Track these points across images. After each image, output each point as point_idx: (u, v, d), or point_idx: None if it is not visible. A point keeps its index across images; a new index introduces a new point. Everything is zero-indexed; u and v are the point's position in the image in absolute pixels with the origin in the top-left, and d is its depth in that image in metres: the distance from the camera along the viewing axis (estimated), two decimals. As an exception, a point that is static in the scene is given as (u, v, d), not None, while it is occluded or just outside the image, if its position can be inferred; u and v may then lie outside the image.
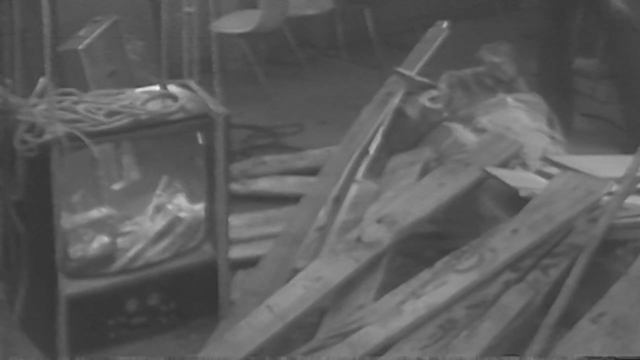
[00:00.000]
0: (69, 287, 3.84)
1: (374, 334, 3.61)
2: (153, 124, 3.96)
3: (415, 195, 4.34)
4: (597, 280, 3.68)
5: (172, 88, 4.19)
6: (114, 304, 3.98)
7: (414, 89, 5.23)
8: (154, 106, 4.02)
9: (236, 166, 5.29)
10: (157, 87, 4.22)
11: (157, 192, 4.31)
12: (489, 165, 4.44)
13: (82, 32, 5.86)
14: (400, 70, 5.36)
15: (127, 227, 4.19)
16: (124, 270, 4.06)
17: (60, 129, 3.71)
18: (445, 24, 5.81)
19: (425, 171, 4.65)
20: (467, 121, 4.99)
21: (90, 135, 3.77)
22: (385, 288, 3.94)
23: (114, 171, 4.38)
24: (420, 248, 4.41)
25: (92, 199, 4.21)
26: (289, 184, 5.29)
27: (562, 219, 3.93)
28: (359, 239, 4.09)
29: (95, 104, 3.96)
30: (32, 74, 4.14)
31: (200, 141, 4.13)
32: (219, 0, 6.58)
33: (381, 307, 3.78)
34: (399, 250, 4.21)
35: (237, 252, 4.32)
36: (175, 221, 4.22)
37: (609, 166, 4.36)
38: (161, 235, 4.19)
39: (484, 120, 4.94)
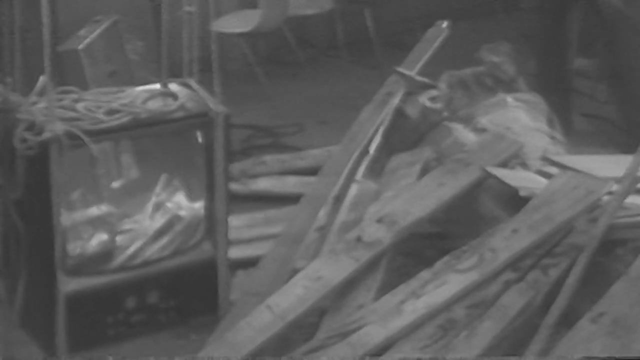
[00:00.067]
0: (68, 285, 3.84)
1: (374, 334, 3.60)
2: (153, 122, 3.97)
3: (415, 195, 4.33)
4: (597, 280, 3.68)
5: (173, 87, 4.19)
6: (113, 301, 3.99)
7: (414, 89, 5.23)
8: (154, 105, 4.03)
9: (236, 166, 5.28)
10: (157, 86, 4.22)
11: (157, 190, 4.30)
12: (489, 165, 4.44)
13: (82, 32, 5.87)
14: (400, 70, 5.36)
15: (126, 225, 4.19)
16: (123, 268, 4.07)
17: (59, 127, 3.71)
18: (445, 24, 5.81)
19: (425, 171, 4.64)
20: (467, 121, 4.98)
21: (89, 133, 3.77)
22: (385, 288, 3.94)
23: (113, 169, 4.37)
24: (420, 248, 4.41)
25: (92, 196, 4.21)
26: (289, 184, 5.28)
27: (562, 218, 3.93)
28: (359, 239, 4.08)
29: (94, 102, 3.96)
30: (32, 73, 4.14)
31: (200, 140, 4.13)
32: (219, 0, 6.57)
33: (381, 307, 3.78)
34: (399, 250, 4.21)
35: (237, 252, 4.32)
36: (174, 219, 4.22)
37: (609, 166, 4.36)
38: (160, 233, 4.19)
39: (484, 120, 4.93)
